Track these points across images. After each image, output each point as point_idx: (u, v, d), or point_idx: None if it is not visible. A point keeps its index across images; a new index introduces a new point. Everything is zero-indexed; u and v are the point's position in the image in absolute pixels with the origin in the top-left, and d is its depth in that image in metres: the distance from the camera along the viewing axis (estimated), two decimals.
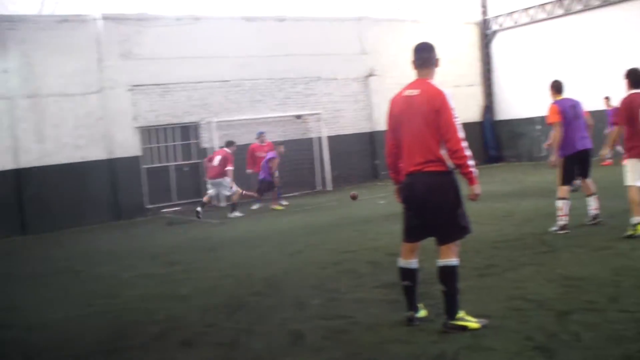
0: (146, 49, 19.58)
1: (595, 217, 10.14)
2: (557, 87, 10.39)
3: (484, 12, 27.51)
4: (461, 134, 5.60)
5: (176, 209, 19.78)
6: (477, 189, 5.70)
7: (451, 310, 5.66)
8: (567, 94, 10.40)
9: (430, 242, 5.86)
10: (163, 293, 8.46)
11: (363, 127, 23.81)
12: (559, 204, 9.97)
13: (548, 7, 24.84)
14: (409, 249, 5.95)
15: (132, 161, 19.42)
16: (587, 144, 10.02)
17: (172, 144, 20.42)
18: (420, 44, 5.98)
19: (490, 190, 16.01)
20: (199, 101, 20.54)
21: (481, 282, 7.26)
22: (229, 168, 16.86)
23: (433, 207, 5.68)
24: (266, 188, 17.97)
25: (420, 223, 5.81)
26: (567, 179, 10.05)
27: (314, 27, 23.02)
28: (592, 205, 10.17)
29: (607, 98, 19.49)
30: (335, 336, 5.87)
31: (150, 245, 13.13)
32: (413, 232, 5.90)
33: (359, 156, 23.13)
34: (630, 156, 9.11)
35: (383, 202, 15.56)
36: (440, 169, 5.65)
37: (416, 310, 5.97)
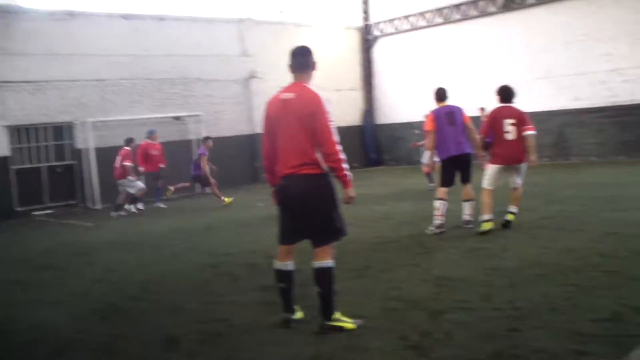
0: (16, 44, 18.66)
1: (467, 222, 10.41)
2: (438, 95, 10.72)
3: (366, 18, 28.01)
4: (336, 137, 5.60)
5: (49, 211, 18.98)
6: (352, 192, 5.73)
7: (327, 311, 5.65)
8: (449, 101, 10.71)
9: (307, 244, 5.83)
10: (32, 299, 8.03)
11: (243, 130, 23.64)
12: (436, 204, 10.31)
13: (428, 15, 25.55)
14: (285, 251, 5.91)
15: (0, 161, 18.48)
16: (463, 149, 10.29)
17: (44, 144, 19.53)
18: (297, 47, 5.97)
19: (369, 193, 16.27)
20: (74, 100, 19.74)
21: (357, 284, 7.30)
22: (126, 164, 16.85)
23: (308, 210, 5.66)
24: (204, 183, 18.09)
25: (295, 225, 5.79)
26: (444, 182, 10.40)
27: (195, 27, 22.70)
28: (466, 210, 10.45)
29: (482, 109, 20.24)
30: (211, 339, 5.74)
31: (19, 249, 12.50)
32: (289, 234, 5.87)
33: (239, 158, 22.86)
34: (493, 162, 9.92)
35: (262, 204, 15.45)
36: (316, 172, 5.64)
37: (293, 312, 5.94)
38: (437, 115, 10.43)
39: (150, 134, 18.21)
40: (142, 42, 21.14)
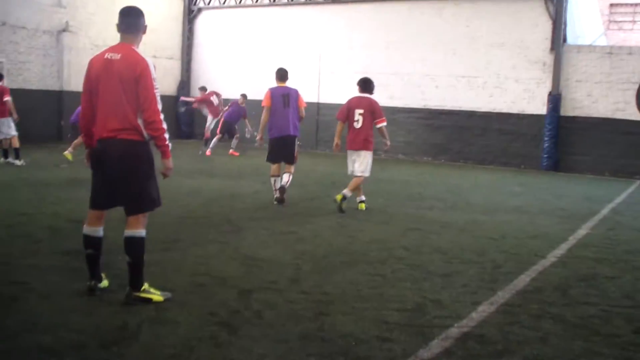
0: None
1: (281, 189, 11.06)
2: (279, 75, 11.37)
3: None
4: (159, 105, 5.45)
5: None
6: (170, 163, 5.62)
7: (136, 282, 5.47)
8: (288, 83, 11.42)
9: (114, 211, 5.60)
10: None
11: (51, 85, 22.27)
12: (272, 180, 11.27)
13: None
14: (96, 216, 5.64)
15: None
16: (289, 131, 10.99)
17: None
18: (128, 7, 5.75)
19: (179, 166, 15.75)
20: None
21: (166, 257, 7.12)
22: (7, 99, 15.36)
23: (124, 176, 5.45)
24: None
25: (109, 191, 5.54)
26: (270, 158, 11.26)
27: None
28: (284, 179, 11.12)
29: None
30: (8, 304, 5.35)
31: None
32: (101, 200, 5.61)
33: (44, 114, 21.41)
34: (347, 148, 10.90)
35: (66, 165, 14.74)
36: (135, 138, 5.43)
37: (99, 279, 5.69)
38: (274, 94, 11.05)
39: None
40: None
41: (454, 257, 7.76)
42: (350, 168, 10.89)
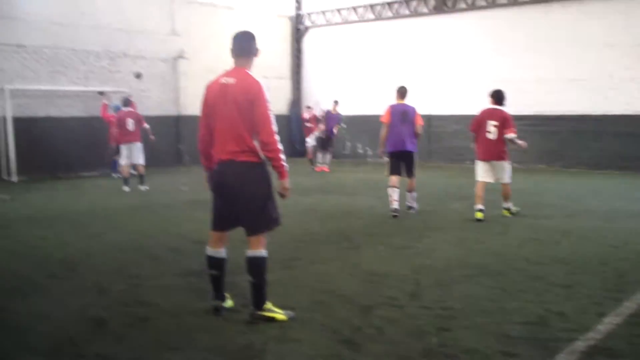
0: None
1: (409, 207, 11.71)
2: (400, 92, 11.83)
3: (298, 7, 27.87)
4: (274, 126, 5.54)
5: None
6: (287, 183, 5.69)
7: (259, 301, 5.60)
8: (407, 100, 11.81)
9: (236, 232, 5.75)
10: None
11: (169, 110, 23.20)
12: (389, 191, 11.42)
13: (360, 10, 25.63)
14: (218, 237, 5.81)
15: None
16: (405, 146, 11.35)
17: None
18: (241, 32, 5.90)
19: (295, 183, 16.10)
20: None
21: (287, 275, 7.26)
22: (145, 126, 16.23)
23: (243, 198, 5.58)
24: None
25: (229, 212, 5.70)
26: (391, 171, 11.52)
27: (125, 0, 22.10)
28: (408, 199, 11.73)
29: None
30: (140, 323, 5.60)
31: None
32: (222, 221, 5.78)
33: (164, 139, 22.18)
34: (480, 158, 11.39)
35: (186, 188, 15.26)
36: (252, 160, 5.56)
37: (223, 299, 5.86)
38: (393, 111, 11.48)
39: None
40: (69, 11, 20.43)
41: (576, 267, 7.55)
42: (480, 176, 11.31)
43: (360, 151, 24.33)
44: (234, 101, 5.51)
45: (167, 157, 22.39)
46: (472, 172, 11.71)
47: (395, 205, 11.32)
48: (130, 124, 15.72)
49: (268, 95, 5.59)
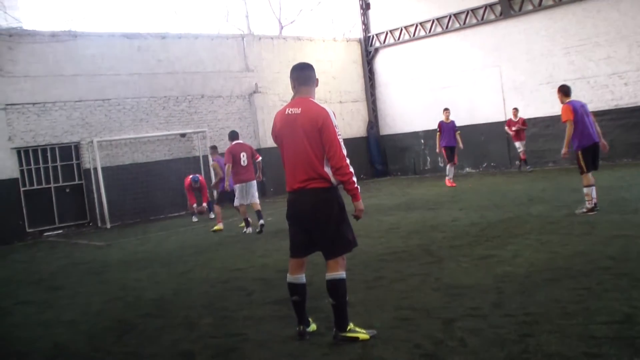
0: (20, 66, 18.83)
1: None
2: (566, 90, 11.75)
3: (366, 30, 28.12)
4: (344, 150, 5.66)
5: (59, 232, 19.12)
6: (361, 205, 5.78)
7: (341, 322, 5.70)
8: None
9: (318, 256, 5.88)
10: (46, 320, 8.11)
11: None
12: (585, 190, 11.31)
13: (427, 25, 25.64)
14: (297, 264, 5.96)
15: (10, 183, 18.57)
16: (597, 138, 11.43)
17: (52, 164, 19.62)
18: (299, 63, 6.07)
19: (377, 204, 16.36)
20: (80, 120, 19.89)
21: (370, 294, 7.35)
22: (259, 159, 14.56)
23: (318, 223, 5.71)
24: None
25: (306, 239, 5.84)
26: (590, 166, 11.37)
27: (196, 44, 22.91)
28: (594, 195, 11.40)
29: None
30: (227, 354, 5.80)
31: (31, 271, 12.60)
32: (299, 248, 5.92)
33: None
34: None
35: (270, 218, 15.54)
36: (324, 186, 5.69)
37: (307, 324, 5.99)
38: (575, 107, 11.41)
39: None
40: (145, 61, 21.33)
41: None
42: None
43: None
44: (303, 130, 5.67)
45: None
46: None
47: (591, 203, 11.31)
48: (243, 158, 13.97)
49: (335, 121, 5.72)
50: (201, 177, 18.49)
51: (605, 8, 20.53)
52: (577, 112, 11.29)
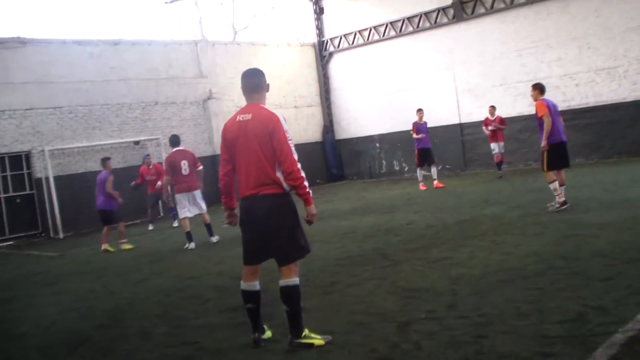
0: None
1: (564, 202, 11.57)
2: (541, 88, 11.94)
3: (320, 34, 28.15)
4: (295, 155, 5.65)
5: (10, 243, 18.74)
6: (313, 209, 5.77)
7: (296, 329, 5.67)
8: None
9: (273, 263, 5.85)
10: None
11: (204, 151, 23.55)
12: (551, 186, 11.64)
13: (381, 29, 25.77)
14: (251, 271, 5.92)
15: None
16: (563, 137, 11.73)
17: (2, 174, 19.25)
18: (248, 70, 6.05)
19: (333, 208, 16.36)
20: (30, 129, 19.55)
21: (325, 300, 7.33)
22: (200, 168, 13.66)
23: (271, 230, 5.69)
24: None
25: (259, 246, 5.80)
26: (556, 165, 11.67)
27: (150, 50, 22.73)
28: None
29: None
30: None
31: None
32: (253, 255, 5.89)
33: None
34: None
35: (226, 225, 15.37)
36: (277, 192, 5.68)
37: (262, 331, 5.95)
38: (548, 105, 11.64)
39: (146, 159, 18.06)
40: (98, 68, 21.07)
41: (615, 259, 7.45)
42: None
43: (397, 168, 24.34)
44: (254, 136, 5.65)
45: (205, 197, 22.38)
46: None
47: (561, 197, 11.56)
48: (184, 166, 13.22)
49: (286, 125, 5.71)
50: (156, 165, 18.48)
51: (555, 11, 20.89)
52: (550, 110, 11.54)
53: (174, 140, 13.69)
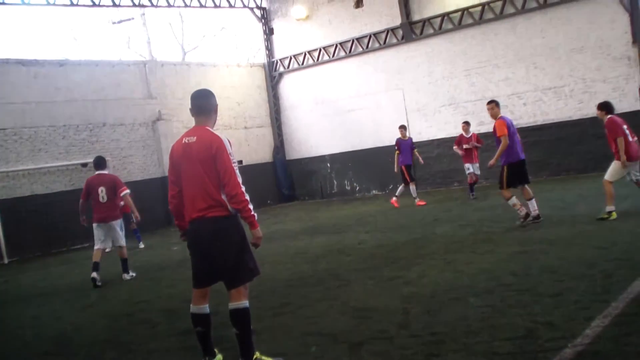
0: None
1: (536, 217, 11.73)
2: (499, 104, 12.32)
3: (270, 55, 28.13)
4: (239, 178, 5.59)
5: None
6: (259, 232, 5.73)
7: (247, 351, 5.58)
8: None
9: (223, 285, 5.77)
10: None
11: (154, 173, 23.32)
12: (510, 202, 11.85)
13: (331, 49, 25.87)
14: (200, 294, 5.83)
15: None
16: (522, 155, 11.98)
17: None
18: (197, 91, 6.00)
19: (284, 229, 16.30)
20: None
21: (276, 321, 7.26)
22: (125, 192, 12.32)
23: (219, 252, 5.61)
24: None
25: (207, 268, 5.72)
26: (514, 182, 11.85)
27: (97, 71, 22.41)
28: (535, 206, 11.80)
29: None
30: None
31: None
32: (202, 278, 5.80)
33: (151, 202, 21.86)
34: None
35: (177, 248, 15.25)
36: (222, 214, 5.61)
37: (212, 355, 5.84)
38: (508, 123, 11.84)
39: None
40: (43, 89, 20.67)
41: (564, 274, 7.55)
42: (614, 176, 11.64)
43: (348, 188, 24.37)
44: (197, 159, 5.60)
45: (156, 219, 22.19)
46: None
47: (524, 210, 11.71)
48: (101, 194, 12.04)
49: (230, 148, 5.64)
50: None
51: (502, 31, 21.30)
52: (510, 129, 11.69)
53: (97, 162, 12.49)
